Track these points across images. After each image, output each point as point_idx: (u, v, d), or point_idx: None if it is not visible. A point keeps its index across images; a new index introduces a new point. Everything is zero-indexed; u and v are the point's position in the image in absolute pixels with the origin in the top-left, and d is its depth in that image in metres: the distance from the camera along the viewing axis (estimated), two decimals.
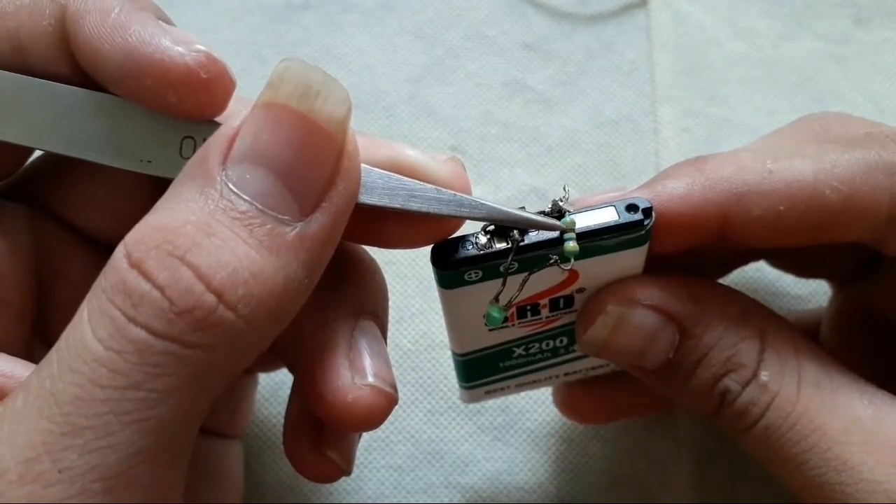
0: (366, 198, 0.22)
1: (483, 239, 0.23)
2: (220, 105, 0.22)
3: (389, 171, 0.23)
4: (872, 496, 0.23)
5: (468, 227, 0.23)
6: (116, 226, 0.25)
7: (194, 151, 0.22)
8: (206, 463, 0.29)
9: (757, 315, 0.26)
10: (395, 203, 0.22)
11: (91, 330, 0.19)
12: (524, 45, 0.40)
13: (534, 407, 0.35)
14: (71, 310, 0.20)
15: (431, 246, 0.23)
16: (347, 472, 0.25)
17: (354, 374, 0.23)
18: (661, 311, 0.25)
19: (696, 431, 0.34)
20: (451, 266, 0.23)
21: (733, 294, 0.26)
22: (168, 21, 0.23)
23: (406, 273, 0.36)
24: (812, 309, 0.35)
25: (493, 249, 0.23)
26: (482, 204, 0.23)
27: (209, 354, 0.19)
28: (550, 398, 0.33)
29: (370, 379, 0.23)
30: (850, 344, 0.30)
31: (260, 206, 0.20)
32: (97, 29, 0.22)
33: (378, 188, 0.22)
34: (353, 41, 0.40)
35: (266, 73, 0.20)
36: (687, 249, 0.25)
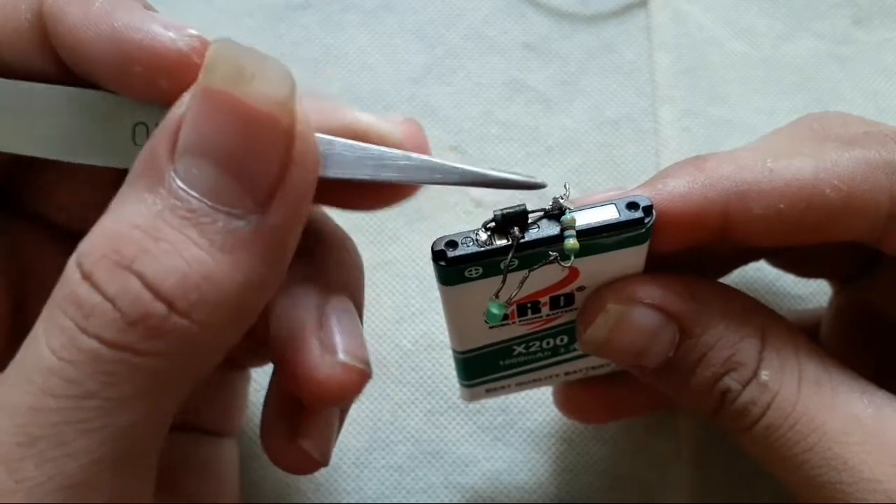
0: (333, 171, 0.21)
1: (483, 236, 0.23)
2: None
3: (346, 138, 0.22)
4: (872, 496, 0.23)
5: (467, 225, 0.23)
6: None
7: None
8: (198, 462, 0.29)
9: (757, 314, 0.25)
10: (365, 174, 0.22)
11: (45, 341, 0.18)
12: (524, 45, 0.40)
13: (534, 407, 0.35)
14: None
15: (431, 243, 0.23)
16: (324, 464, 0.25)
17: (325, 352, 0.22)
18: (662, 310, 0.25)
19: (696, 431, 0.34)
20: (452, 263, 0.23)
21: (734, 293, 0.26)
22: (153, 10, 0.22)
23: (406, 273, 0.36)
24: (812, 309, 0.35)
25: (494, 246, 0.23)
26: (455, 167, 0.22)
27: (165, 361, 0.19)
28: (550, 398, 0.33)
29: (340, 356, 0.22)
30: (850, 344, 0.30)
31: (210, 204, 0.19)
32: (81, 17, 0.21)
33: (345, 160, 0.21)
34: (353, 41, 0.40)
35: None
36: (687, 248, 0.25)
